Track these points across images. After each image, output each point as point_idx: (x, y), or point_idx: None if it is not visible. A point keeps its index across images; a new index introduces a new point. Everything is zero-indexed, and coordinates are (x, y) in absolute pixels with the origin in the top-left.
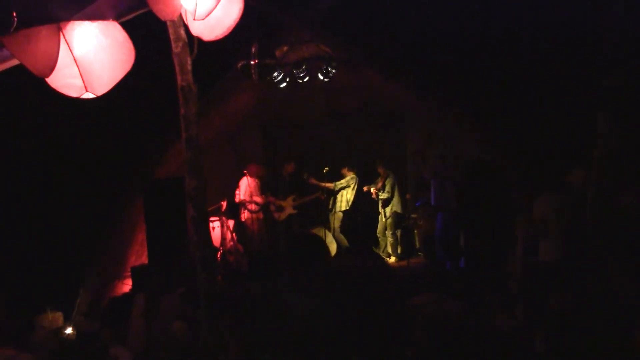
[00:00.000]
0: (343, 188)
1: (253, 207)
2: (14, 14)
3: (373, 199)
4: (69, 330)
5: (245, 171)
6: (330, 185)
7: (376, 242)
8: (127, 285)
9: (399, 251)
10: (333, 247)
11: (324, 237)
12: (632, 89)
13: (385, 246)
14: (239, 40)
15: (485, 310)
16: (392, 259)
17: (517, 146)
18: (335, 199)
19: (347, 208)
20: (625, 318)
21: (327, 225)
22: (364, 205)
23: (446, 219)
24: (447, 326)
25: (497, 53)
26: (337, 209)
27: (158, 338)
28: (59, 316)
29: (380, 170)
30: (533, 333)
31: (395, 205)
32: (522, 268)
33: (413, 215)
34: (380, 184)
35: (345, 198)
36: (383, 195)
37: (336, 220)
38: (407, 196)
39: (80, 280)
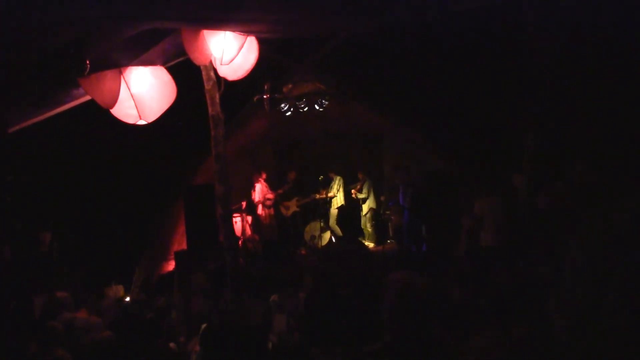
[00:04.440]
0: (335, 197)
1: (268, 202)
2: (87, 62)
3: (353, 197)
4: (127, 299)
5: (256, 179)
6: (331, 194)
7: (362, 233)
8: (171, 265)
9: (375, 239)
10: (327, 236)
11: (318, 228)
12: (553, 112)
13: (367, 235)
14: (255, 80)
15: (441, 283)
16: (371, 245)
17: (465, 161)
18: (330, 200)
19: (343, 203)
20: (543, 290)
21: (324, 219)
22: (352, 205)
23: (411, 214)
24: (413, 294)
25: (451, 91)
26: (333, 207)
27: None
28: (120, 288)
29: (360, 175)
30: (476, 298)
31: (371, 203)
32: (465, 251)
33: (387, 212)
34: (359, 186)
35: (338, 198)
36: (361, 195)
37: (332, 216)
38: (382, 198)
39: (136, 261)
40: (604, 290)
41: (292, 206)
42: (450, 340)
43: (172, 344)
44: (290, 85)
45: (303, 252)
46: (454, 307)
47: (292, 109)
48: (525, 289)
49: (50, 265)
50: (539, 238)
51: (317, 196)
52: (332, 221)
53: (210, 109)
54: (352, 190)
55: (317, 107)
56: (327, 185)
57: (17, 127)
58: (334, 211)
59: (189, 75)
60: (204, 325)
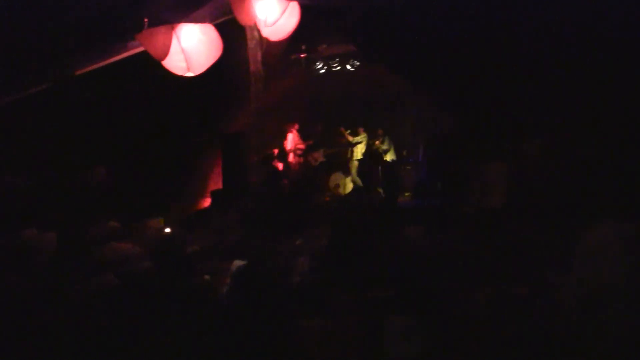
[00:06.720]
0: (358, 143)
1: (299, 152)
2: (145, 20)
3: (376, 148)
4: (167, 231)
5: (289, 129)
6: (350, 138)
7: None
8: (207, 203)
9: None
10: (349, 186)
11: (342, 178)
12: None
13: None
14: (294, 40)
15: (451, 239)
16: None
17: (478, 127)
18: (352, 151)
19: (362, 157)
20: (544, 256)
21: (346, 170)
22: (372, 159)
23: (428, 171)
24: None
25: (467, 59)
26: (354, 158)
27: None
28: (161, 221)
29: (380, 131)
30: (481, 256)
31: (392, 155)
32: (474, 211)
33: (407, 167)
34: (380, 140)
35: (359, 150)
36: (383, 146)
37: (353, 166)
38: (404, 152)
39: (175, 197)
40: None
41: (319, 157)
42: (452, 293)
43: (206, 276)
44: (324, 46)
45: (327, 199)
46: (460, 263)
47: (325, 68)
48: (527, 252)
49: (103, 196)
50: (546, 207)
51: (342, 130)
52: (354, 172)
53: (252, 66)
54: (376, 142)
55: (348, 67)
56: (354, 134)
57: (81, 72)
58: (354, 162)
59: (234, 34)
60: (236, 262)
